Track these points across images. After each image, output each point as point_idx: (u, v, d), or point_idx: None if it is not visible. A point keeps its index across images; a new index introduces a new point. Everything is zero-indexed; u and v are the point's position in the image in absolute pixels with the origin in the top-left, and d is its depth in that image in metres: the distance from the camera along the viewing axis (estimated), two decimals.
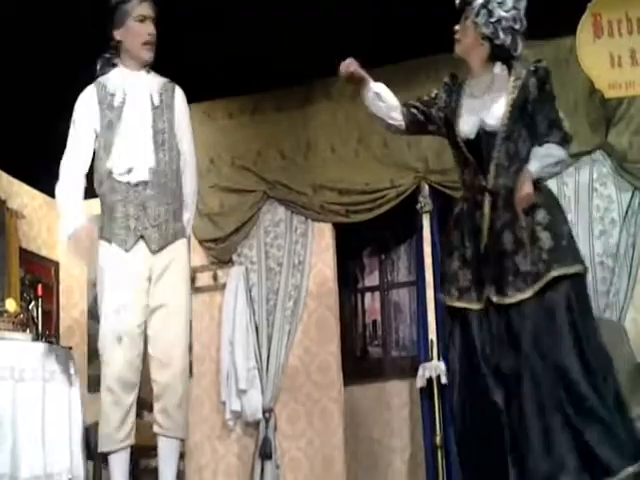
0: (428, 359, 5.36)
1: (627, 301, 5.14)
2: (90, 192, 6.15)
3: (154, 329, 3.22)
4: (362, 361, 6.17)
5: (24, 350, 4.27)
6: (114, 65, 3.32)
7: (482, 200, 3.11)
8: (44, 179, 6.61)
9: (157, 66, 5.77)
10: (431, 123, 3.35)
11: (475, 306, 3.06)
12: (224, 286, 6.06)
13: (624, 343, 5.00)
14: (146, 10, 3.25)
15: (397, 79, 5.55)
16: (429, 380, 5.27)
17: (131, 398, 3.24)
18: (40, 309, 5.31)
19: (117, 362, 3.17)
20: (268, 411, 5.78)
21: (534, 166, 3.05)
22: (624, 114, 5.21)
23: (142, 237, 3.20)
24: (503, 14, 3.12)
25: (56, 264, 6.84)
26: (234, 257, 6.13)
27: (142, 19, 3.23)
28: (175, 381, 3.24)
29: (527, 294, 2.95)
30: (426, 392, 5.31)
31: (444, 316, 3.25)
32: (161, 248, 3.24)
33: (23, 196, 6.64)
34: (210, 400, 6.04)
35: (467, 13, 3.19)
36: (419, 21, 4.97)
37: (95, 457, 4.78)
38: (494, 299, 3.01)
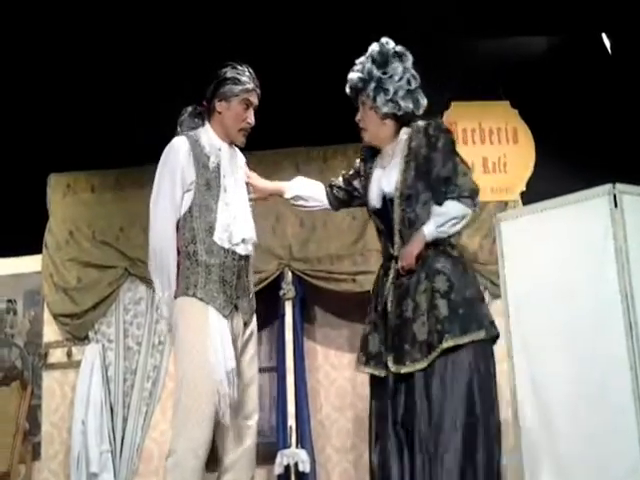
0: (287, 446, 5.44)
1: None
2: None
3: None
4: None
5: None
6: (200, 122, 3.28)
7: (389, 267, 3.14)
8: None
9: (19, 139, 5.73)
10: (356, 198, 3.37)
11: (380, 372, 3.07)
12: (79, 364, 5.92)
13: None
14: (254, 99, 3.24)
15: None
16: (287, 467, 5.33)
17: None
18: None
19: (209, 429, 3.02)
20: None
21: (428, 227, 3.05)
22: (476, 218, 5.50)
23: (236, 306, 3.16)
24: (397, 85, 3.12)
25: None
26: (90, 334, 6.00)
27: (247, 106, 3.22)
28: (252, 453, 3.19)
29: (422, 364, 2.96)
30: None
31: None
32: (249, 319, 3.24)
33: None
34: None
35: (362, 99, 3.18)
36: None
37: None
38: (392, 368, 3.02)
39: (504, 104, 5.40)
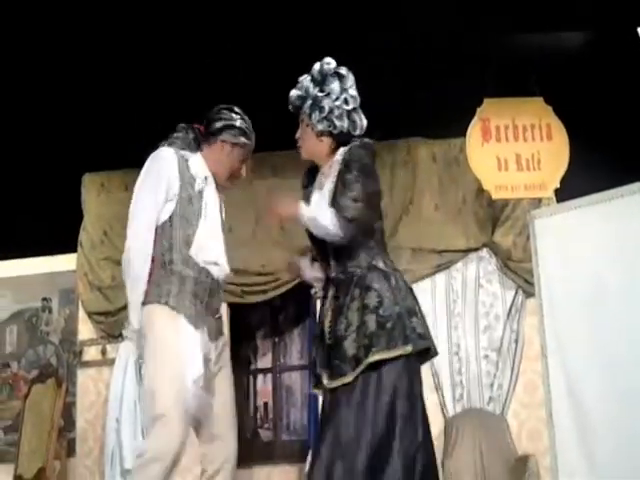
0: None
1: (510, 395, 5.35)
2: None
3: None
4: (252, 444, 6.10)
5: None
6: (194, 145, 3.32)
7: (327, 289, 3.18)
8: None
9: (53, 140, 5.80)
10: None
11: (318, 389, 3.12)
12: (112, 361, 5.97)
13: (506, 436, 5.23)
14: (249, 156, 3.35)
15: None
16: None
17: None
18: None
19: (179, 438, 3.00)
20: None
21: (308, 209, 3.07)
22: (510, 215, 5.51)
23: (204, 323, 3.17)
24: (333, 104, 3.12)
25: None
26: (124, 332, 6.04)
27: (243, 160, 3.32)
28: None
29: (349, 378, 2.97)
30: None
31: None
32: (217, 337, 3.24)
33: None
34: None
35: (301, 117, 3.20)
36: None
37: None
38: (325, 383, 3.04)
39: (538, 100, 5.32)
